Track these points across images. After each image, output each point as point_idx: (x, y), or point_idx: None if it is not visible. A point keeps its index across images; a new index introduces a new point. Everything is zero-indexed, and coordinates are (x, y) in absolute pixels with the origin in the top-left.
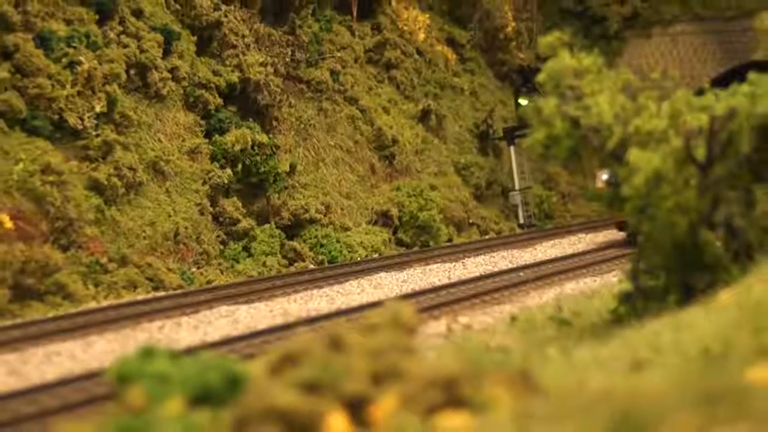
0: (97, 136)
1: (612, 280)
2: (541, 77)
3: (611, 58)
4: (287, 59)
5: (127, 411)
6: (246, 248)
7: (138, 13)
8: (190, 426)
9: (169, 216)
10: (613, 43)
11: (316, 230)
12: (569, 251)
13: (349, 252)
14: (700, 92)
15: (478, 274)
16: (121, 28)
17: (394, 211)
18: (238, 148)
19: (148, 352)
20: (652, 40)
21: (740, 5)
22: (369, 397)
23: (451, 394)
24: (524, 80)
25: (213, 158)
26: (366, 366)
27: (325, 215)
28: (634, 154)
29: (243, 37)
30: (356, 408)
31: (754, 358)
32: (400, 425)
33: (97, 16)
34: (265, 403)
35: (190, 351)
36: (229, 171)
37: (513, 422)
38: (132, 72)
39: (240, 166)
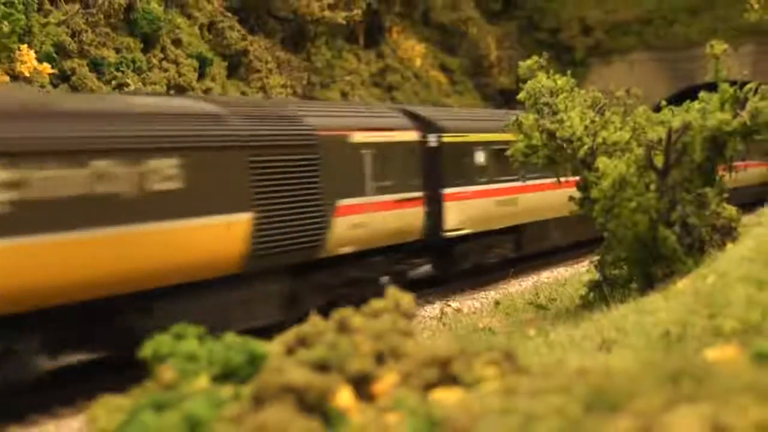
0: None
1: (581, 270)
2: (521, 95)
3: (578, 81)
4: (304, 82)
5: (160, 386)
6: None
7: (177, 43)
8: (214, 400)
9: None
10: (579, 69)
11: None
12: None
13: None
14: (658, 109)
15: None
16: (162, 55)
17: None
18: None
19: (179, 334)
20: (613, 66)
21: (687, 37)
22: (372, 374)
23: (446, 373)
24: (505, 101)
25: None
26: (370, 347)
27: None
28: (602, 162)
29: (266, 62)
30: (361, 384)
31: (710, 339)
32: (400, 400)
33: (142, 45)
34: (280, 380)
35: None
36: None
37: (500, 397)
38: (171, 93)
39: None
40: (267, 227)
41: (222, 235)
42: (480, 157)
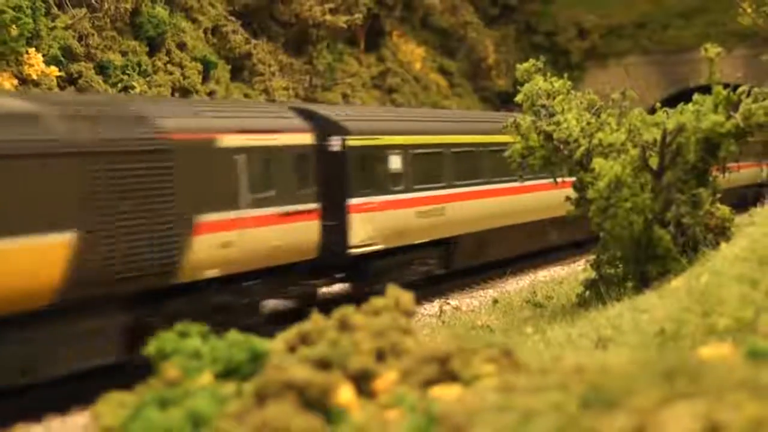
0: None
1: (577, 269)
2: (518, 97)
3: (574, 84)
4: (306, 84)
5: (164, 383)
6: None
7: (182, 46)
8: (217, 397)
9: None
10: (575, 72)
11: None
12: None
13: None
14: (652, 111)
15: None
16: (167, 59)
17: None
18: None
19: (183, 332)
20: (608, 69)
21: (680, 42)
22: (373, 371)
23: (445, 370)
24: (503, 103)
25: None
26: (370, 344)
27: None
28: (598, 163)
29: (269, 66)
30: (362, 381)
31: (704, 337)
32: (400, 396)
33: (147, 48)
34: (282, 377)
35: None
36: None
37: (498, 394)
38: (176, 95)
39: None
40: (95, 249)
41: (25, 261)
42: (396, 163)
